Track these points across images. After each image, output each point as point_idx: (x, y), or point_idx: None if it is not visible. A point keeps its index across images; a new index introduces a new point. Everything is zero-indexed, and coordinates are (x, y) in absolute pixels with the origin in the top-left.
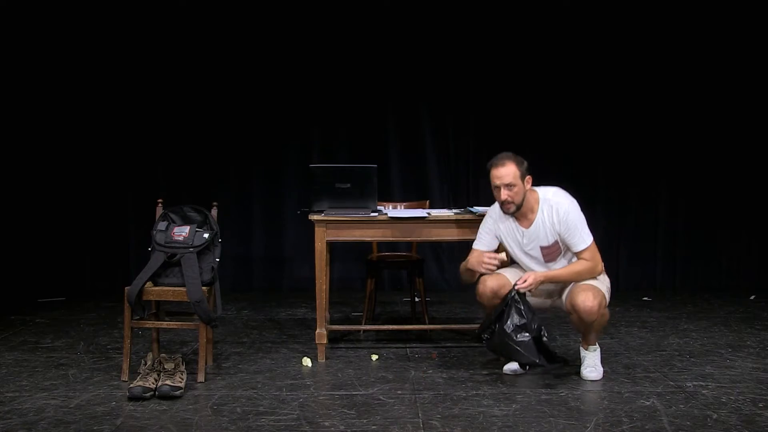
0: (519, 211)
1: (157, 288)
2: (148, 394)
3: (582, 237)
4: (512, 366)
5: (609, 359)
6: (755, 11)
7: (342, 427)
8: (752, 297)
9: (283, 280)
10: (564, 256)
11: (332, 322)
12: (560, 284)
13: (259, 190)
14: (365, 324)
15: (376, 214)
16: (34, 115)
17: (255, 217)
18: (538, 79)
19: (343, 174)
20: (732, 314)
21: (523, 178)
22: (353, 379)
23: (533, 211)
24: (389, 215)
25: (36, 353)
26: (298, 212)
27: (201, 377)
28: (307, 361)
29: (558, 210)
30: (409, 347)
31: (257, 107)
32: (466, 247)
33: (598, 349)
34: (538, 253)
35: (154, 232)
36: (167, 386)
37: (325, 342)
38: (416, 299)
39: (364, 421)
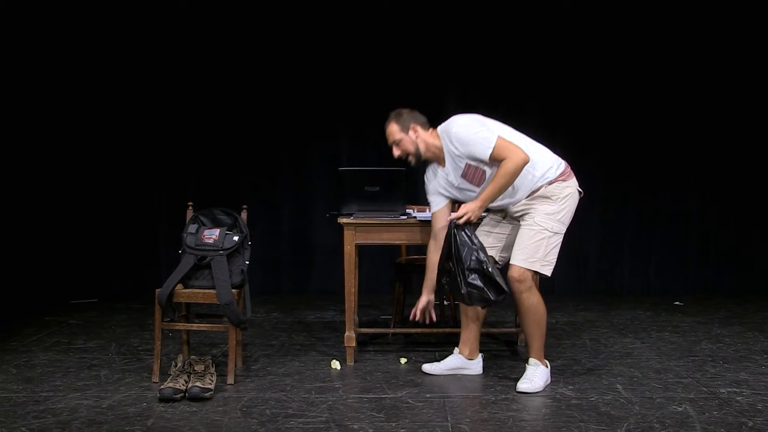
0: (431, 156)
1: (187, 290)
2: (178, 396)
3: (482, 144)
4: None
5: (640, 364)
6: None
7: (371, 431)
8: None
9: (311, 283)
10: (492, 168)
11: (361, 325)
12: (501, 205)
13: (288, 192)
14: (394, 327)
15: (404, 217)
16: (69, 120)
17: (284, 219)
18: (567, 81)
19: (372, 177)
20: (767, 319)
21: (406, 128)
22: (382, 382)
23: (439, 147)
24: (418, 218)
25: (69, 354)
26: (327, 215)
27: (230, 379)
28: (336, 364)
29: (449, 133)
30: (438, 350)
31: (286, 110)
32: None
33: (541, 368)
34: (465, 184)
35: (185, 234)
36: (197, 388)
37: (353, 345)
38: (445, 302)
39: (393, 424)
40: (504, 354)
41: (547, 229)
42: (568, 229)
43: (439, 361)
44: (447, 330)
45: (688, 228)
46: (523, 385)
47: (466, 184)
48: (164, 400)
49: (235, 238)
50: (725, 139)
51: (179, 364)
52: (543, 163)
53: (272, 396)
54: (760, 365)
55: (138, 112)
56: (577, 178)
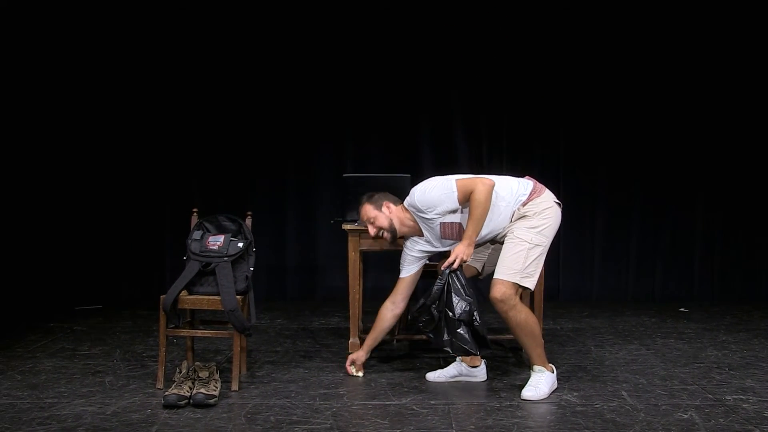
0: (406, 231)
1: (192, 297)
2: (182, 402)
3: (446, 194)
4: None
5: (645, 371)
6: None
7: None
8: None
9: (316, 290)
10: (463, 215)
11: (365, 331)
12: (488, 239)
13: (293, 199)
14: (398, 333)
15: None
16: (74, 126)
17: (289, 226)
18: (573, 86)
19: (377, 183)
20: None
21: (379, 206)
22: (386, 388)
23: (410, 218)
24: None
25: (74, 360)
26: (332, 222)
27: (235, 386)
28: (356, 371)
29: (414, 204)
30: (442, 357)
31: (290, 117)
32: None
33: (546, 374)
34: (448, 242)
35: (189, 241)
36: (201, 394)
37: None
38: None
39: (397, 431)
40: (509, 360)
41: (526, 241)
42: (572, 235)
43: (442, 367)
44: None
45: (693, 234)
46: (527, 392)
47: (449, 242)
48: (168, 406)
49: (240, 244)
50: (731, 146)
51: (184, 371)
52: (509, 189)
53: (277, 402)
54: (767, 372)
55: (143, 118)
56: (581, 184)
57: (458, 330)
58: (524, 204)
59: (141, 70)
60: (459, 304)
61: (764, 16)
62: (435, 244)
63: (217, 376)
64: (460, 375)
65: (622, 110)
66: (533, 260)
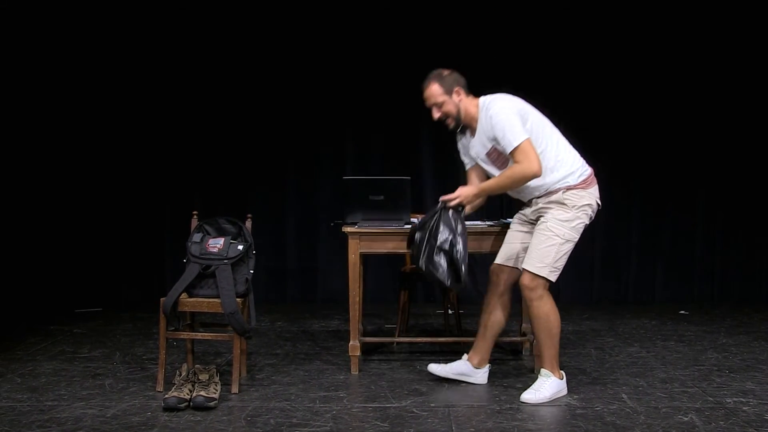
0: (466, 122)
1: (191, 299)
2: (182, 405)
3: (509, 138)
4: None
5: (645, 373)
6: None
7: None
8: None
9: (316, 292)
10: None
11: (365, 334)
12: (520, 195)
13: (293, 201)
14: (398, 336)
15: (409, 226)
16: (75, 129)
17: (289, 228)
18: (573, 87)
19: (377, 186)
20: None
21: (450, 91)
22: (386, 391)
23: (475, 119)
24: None
25: (74, 363)
26: (332, 224)
27: (235, 388)
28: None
29: (488, 110)
30: (442, 359)
31: (290, 119)
32: None
33: (552, 379)
34: (489, 164)
35: (189, 243)
36: (201, 397)
37: (358, 354)
38: (449, 311)
39: None
40: (509, 363)
41: (558, 236)
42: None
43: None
44: (451, 339)
45: (693, 236)
46: (526, 395)
47: (489, 164)
48: (168, 409)
49: (240, 247)
50: (732, 148)
51: (184, 374)
52: (567, 166)
53: (277, 405)
54: (767, 375)
55: (143, 121)
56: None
57: (435, 257)
58: (569, 188)
59: (140, 74)
60: (443, 234)
61: (764, 16)
62: (477, 152)
63: (217, 379)
64: (462, 373)
65: (621, 111)
66: (562, 255)
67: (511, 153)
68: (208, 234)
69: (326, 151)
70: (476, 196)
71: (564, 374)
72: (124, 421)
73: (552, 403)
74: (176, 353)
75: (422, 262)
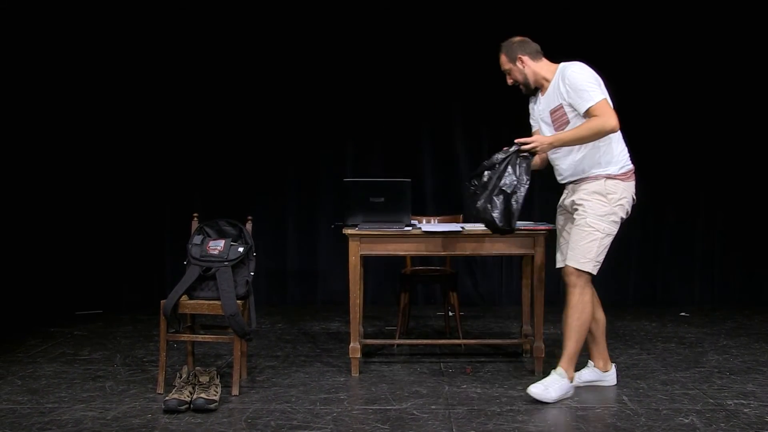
0: (537, 85)
1: (192, 301)
2: (183, 407)
3: (590, 95)
4: None
5: (646, 375)
6: None
7: None
8: None
9: (317, 294)
10: (572, 125)
11: (366, 336)
12: (567, 176)
13: (294, 203)
14: (399, 338)
15: (409, 228)
16: (75, 131)
17: (289, 230)
18: None
19: (377, 188)
20: None
21: (513, 59)
22: (387, 393)
23: (548, 80)
24: (423, 229)
25: (74, 365)
26: (332, 226)
27: (235, 390)
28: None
29: (565, 72)
30: (443, 362)
31: (291, 122)
32: (499, 261)
33: (563, 381)
34: (548, 119)
35: (190, 245)
36: (202, 399)
37: (358, 356)
38: (450, 313)
39: None
40: (509, 365)
41: (599, 231)
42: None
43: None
44: (451, 342)
45: (694, 238)
46: (534, 388)
47: (548, 120)
48: (169, 411)
49: (240, 249)
50: (733, 150)
51: (184, 376)
52: (616, 153)
53: (277, 407)
54: None
55: (144, 122)
56: None
57: (494, 197)
58: (610, 177)
59: (141, 76)
60: (508, 177)
61: (764, 16)
62: (541, 108)
63: (217, 381)
64: (593, 381)
65: (621, 116)
66: (603, 249)
67: (588, 110)
68: (209, 236)
69: (327, 152)
70: (551, 144)
71: (575, 377)
72: (125, 424)
73: (552, 405)
74: (177, 355)
75: (480, 204)
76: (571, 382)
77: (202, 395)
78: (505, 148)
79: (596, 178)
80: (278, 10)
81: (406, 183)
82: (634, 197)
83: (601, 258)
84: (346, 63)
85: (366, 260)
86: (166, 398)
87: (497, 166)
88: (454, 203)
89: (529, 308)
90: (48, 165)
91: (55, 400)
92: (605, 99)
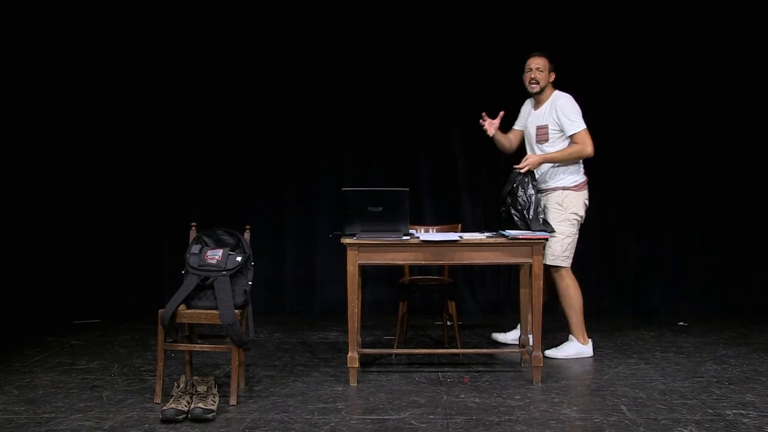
0: (539, 96)
1: (190, 311)
2: (180, 417)
3: (576, 123)
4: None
5: (644, 385)
6: None
7: None
8: None
9: (314, 303)
10: (551, 143)
11: (364, 345)
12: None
13: (292, 213)
14: (397, 348)
15: (408, 237)
16: (73, 138)
17: (287, 240)
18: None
19: (375, 198)
20: None
21: (550, 70)
22: (385, 403)
23: (545, 100)
24: (421, 239)
25: (71, 374)
26: (330, 236)
27: (233, 400)
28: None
29: (558, 100)
30: (441, 371)
31: (289, 130)
32: (498, 270)
33: (575, 343)
34: (533, 131)
35: (188, 255)
36: (200, 409)
37: (356, 365)
38: (448, 323)
39: None
40: (508, 375)
41: (560, 234)
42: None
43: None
44: (449, 351)
45: (692, 248)
46: (550, 351)
47: (532, 132)
48: (166, 421)
49: (238, 258)
50: (731, 158)
51: (182, 385)
52: (572, 170)
53: (275, 417)
54: (767, 386)
55: (143, 132)
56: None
57: (515, 214)
58: (571, 189)
59: (139, 86)
60: (522, 197)
61: (764, 16)
62: (531, 120)
63: (215, 391)
64: (511, 341)
65: (619, 121)
66: (568, 245)
67: (572, 135)
68: (207, 245)
69: (325, 162)
70: (540, 162)
71: (590, 341)
72: None
73: (550, 415)
74: (174, 365)
75: (517, 219)
76: (585, 344)
77: (200, 405)
78: (510, 177)
79: (554, 189)
80: (276, 19)
81: (404, 192)
82: (586, 202)
83: (568, 253)
84: (344, 72)
85: (364, 269)
86: (164, 408)
87: (511, 191)
88: (452, 212)
89: (527, 317)
90: (45, 173)
91: (52, 410)
92: (586, 129)
